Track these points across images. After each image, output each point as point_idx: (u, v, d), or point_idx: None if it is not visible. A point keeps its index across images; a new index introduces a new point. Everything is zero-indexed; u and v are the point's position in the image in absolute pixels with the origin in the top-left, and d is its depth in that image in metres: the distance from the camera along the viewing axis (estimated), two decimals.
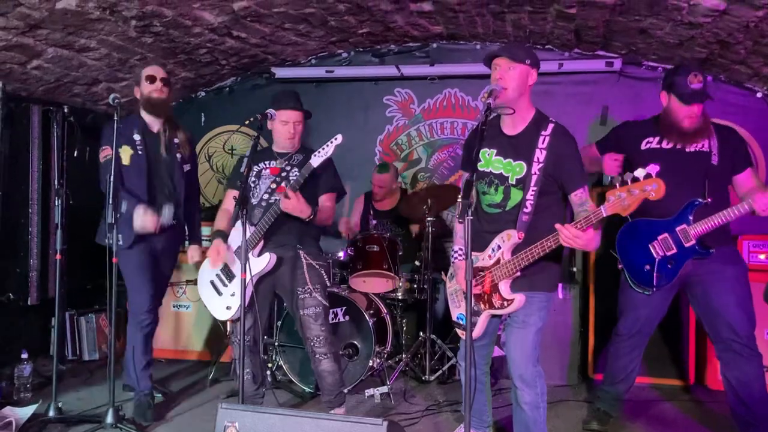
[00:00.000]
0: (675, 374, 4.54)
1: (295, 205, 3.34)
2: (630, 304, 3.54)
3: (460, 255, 3.09)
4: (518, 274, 2.86)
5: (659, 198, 2.56)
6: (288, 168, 3.61)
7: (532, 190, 2.84)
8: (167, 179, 3.92)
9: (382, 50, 5.61)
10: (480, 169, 2.94)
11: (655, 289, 3.36)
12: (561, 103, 5.14)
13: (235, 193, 3.64)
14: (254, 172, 3.64)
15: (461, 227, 3.12)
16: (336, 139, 3.30)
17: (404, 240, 5.06)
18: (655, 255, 3.34)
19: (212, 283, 3.66)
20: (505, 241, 2.87)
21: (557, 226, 2.67)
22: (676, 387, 4.50)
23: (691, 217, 3.25)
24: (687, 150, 3.36)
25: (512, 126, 2.93)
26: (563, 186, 2.87)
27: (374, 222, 4.93)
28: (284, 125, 3.57)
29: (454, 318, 3.17)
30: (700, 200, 3.24)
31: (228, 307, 3.54)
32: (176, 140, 3.97)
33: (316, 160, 3.32)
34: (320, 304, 3.57)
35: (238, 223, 3.36)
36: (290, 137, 3.59)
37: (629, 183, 2.57)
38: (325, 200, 3.64)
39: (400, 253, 4.66)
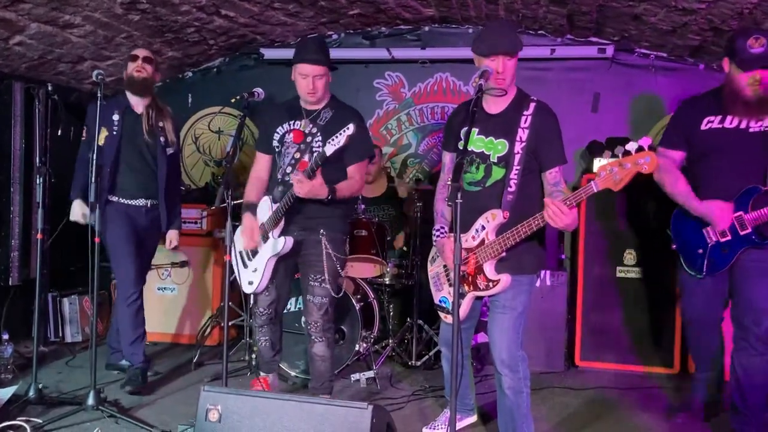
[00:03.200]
0: (664, 362, 4.54)
1: (309, 189, 3.19)
2: (685, 289, 3.46)
3: (442, 233, 3.07)
4: (503, 254, 2.83)
5: (651, 171, 2.51)
6: (314, 131, 3.42)
7: (516, 170, 2.83)
8: (150, 161, 3.99)
9: (373, 33, 5.54)
10: (461, 148, 2.91)
11: (705, 274, 3.26)
12: (552, 89, 5.10)
13: (266, 157, 3.60)
14: (278, 135, 3.51)
15: (442, 206, 3.11)
16: (348, 129, 3.11)
17: (390, 224, 5.03)
18: (708, 240, 3.24)
19: (240, 254, 3.66)
20: (490, 221, 2.84)
21: (546, 200, 2.66)
22: (663, 375, 4.50)
23: (749, 204, 3.11)
24: (751, 130, 3.14)
25: (495, 105, 2.94)
26: (540, 163, 2.88)
27: (362, 206, 4.89)
28: (303, 79, 3.37)
29: (436, 301, 3.15)
30: (761, 187, 3.10)
31: (250, 282, 3.54)
32: (161, 124, 4.01)
33: (329, 149, 3.12)
34: (328, 294, 3.51)
35: (264, 199, 3.49)
36: (310, 92, 3.38)
37: (620, 157, 2.53)
38: (354, 172, 3.45)
39: (388, 239, 4.63)
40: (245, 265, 3.61)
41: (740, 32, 3.14)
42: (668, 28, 4.39)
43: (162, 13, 4.43)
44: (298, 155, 3.43)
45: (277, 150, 3.53)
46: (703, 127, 3.22)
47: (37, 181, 3.71)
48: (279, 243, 3.42)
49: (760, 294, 3.15)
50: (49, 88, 4.85)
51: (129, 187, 3.96)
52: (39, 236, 3.68)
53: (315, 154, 3.22)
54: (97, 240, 3.46)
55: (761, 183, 3.11)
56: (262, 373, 3.85)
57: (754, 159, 3.12)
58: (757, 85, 3.03)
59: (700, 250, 3.26)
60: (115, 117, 3.87)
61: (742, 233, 3.13)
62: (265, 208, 3.49)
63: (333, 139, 3.12)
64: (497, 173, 2.89)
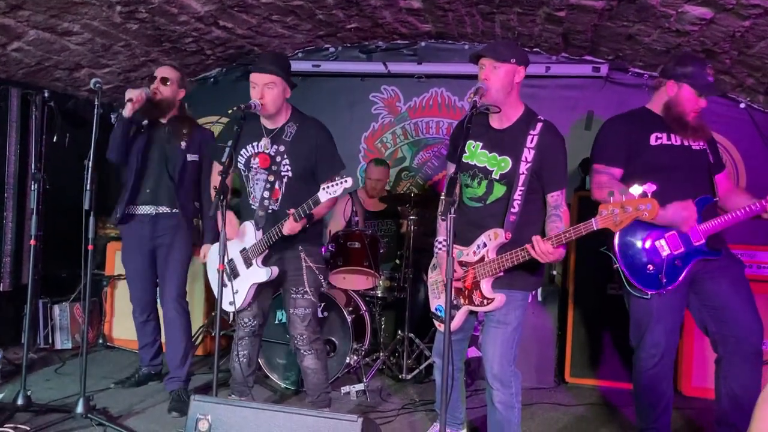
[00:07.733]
0: None
1: (299, 229, 3.27)
2: (648, 317, 3.19)
3: (443, 246, 3.07)
4: (501, 274, 2.85)
5: (652, 219, 2.54)
6: (280, 150, 3.39)
7: (520, 190, 2.83)
8: (164, 164, 3.91)
9: (370, 47, 5.59)
10: (464, 161, 2.93)
11: (664, 290, 3.10)
12: (546, 106, 5.11)
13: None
14: (243, 159, 3.46)
15: (444, 222, 3.11)
16: (346, 181, 3.14)
17: (391, 240, 5.04)
18: (662, 253, 3.11)
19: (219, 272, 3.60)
20: (492, 239, 2.86)
21: (533, 238, 2.68)
22: None
23: (701, 214, 3.10)
24: (694, 147, 3.22)
25: (500, 121, 2.93)
26: (542, 185, 2.88)
27: (357, 219, 4.90)
28: (253, 89, 3.30)
29: (432, 309, 3.16)
30: (711, 197, 3.16)
31: (231, 303, 3.44)
32: (185, 131, 3.95)
33: (323, 195, 3.15)
34: (311, 305, 3.52)
35: (247, 224, 3.45)
36: (258, 98, 3.27)
37: (624, 199, 2.56)
38: None
39: (381, 251, 4.64)
40: (224, 285, 3.38)
41: (692, 59, 3.22)
42: (662, 49, 4.44)
43: (160, 23, 4.46)
44: (271, 178, 3.41)
45: (243, 174, 3.50)
46: (653, 143, 3.20)
47: (32, 188, 3.70)
48: (264, 273, 3.43)
49: (748, 305, 3.13)
50: (46, 95, 4.87)
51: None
52: (32, 242, 3.67)
53: (305, 203, 3.21)
54: (90, 247, 3.45)
55: (712, 195, 3.19)
56: (234, 396, 3.67)
57: (701, 174, 3.22)
58: (696, 112, 3.16)
59: (651, 267, 3.13)
60: (145, 122, 3.88)
61: (695, 244, 3.10)
62: (249, 233, 3.47)
63: (329, 187, 3.14)
64: (498, 190, 2.90)
